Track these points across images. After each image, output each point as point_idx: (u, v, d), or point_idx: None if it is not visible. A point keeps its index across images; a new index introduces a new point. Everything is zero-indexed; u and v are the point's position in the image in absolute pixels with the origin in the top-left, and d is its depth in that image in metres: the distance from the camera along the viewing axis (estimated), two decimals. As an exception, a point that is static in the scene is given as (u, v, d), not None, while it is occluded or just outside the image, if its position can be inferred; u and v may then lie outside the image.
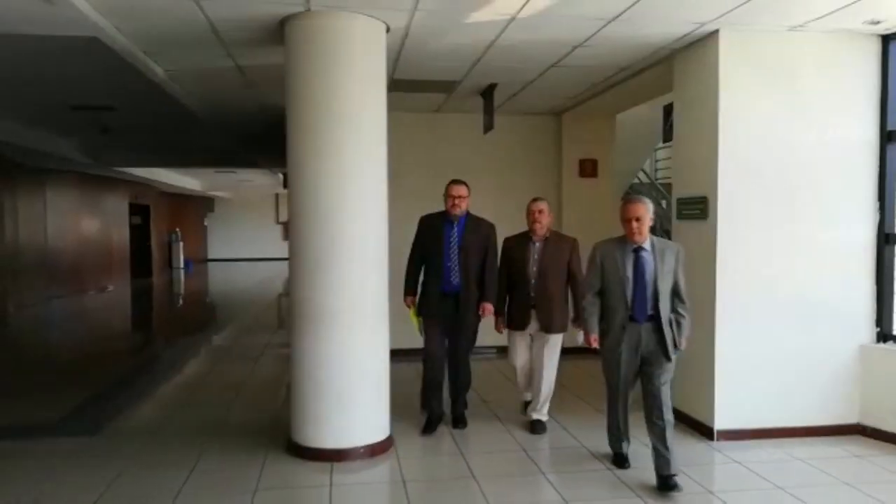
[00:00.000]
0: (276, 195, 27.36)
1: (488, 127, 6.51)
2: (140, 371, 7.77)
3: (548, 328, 4.70)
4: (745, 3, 3.98)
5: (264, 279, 19.97)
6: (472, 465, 4.19)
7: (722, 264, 4.59)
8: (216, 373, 7.41)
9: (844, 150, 4.68)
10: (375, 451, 4.33)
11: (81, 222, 15.17)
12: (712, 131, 4.59)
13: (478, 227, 4.86)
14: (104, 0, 3.86)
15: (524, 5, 3.98)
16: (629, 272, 3.76)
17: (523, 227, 4.91)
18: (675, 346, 3.81)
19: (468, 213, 4.87)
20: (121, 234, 17.64)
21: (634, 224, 3.71)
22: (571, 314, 4.85)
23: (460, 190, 4.80)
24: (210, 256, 27.48)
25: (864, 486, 3.91)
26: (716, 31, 4.49)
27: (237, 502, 3.62)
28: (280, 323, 11.69)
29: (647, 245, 3.77)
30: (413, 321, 4.93)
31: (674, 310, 3.81)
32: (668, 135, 5.70)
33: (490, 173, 7.43)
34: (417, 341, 5.00)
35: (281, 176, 15.98)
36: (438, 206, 4.95)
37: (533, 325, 4.76)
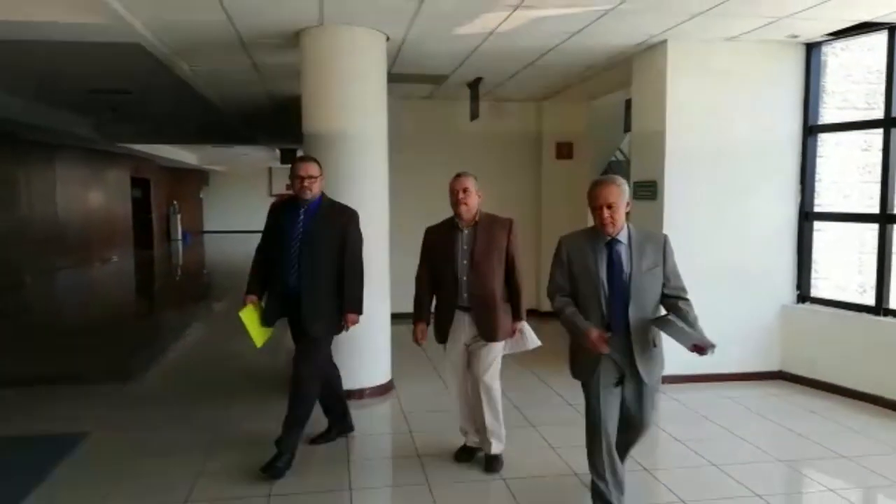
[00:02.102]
0: (270, 169, 27.95)
1: (474, 115, 7.32)
2: (155, 333, 8.66)
3: (491, 336, 3.69)
4: (686, 20, 4.80)
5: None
6: (458, 403, 5.12)
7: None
8: (226, 333, 8.25)
9: (772, 141, 5.55)
10: (380, 391, 5.26)
11: (87, 195, 15.86)
12: (661, 125, 5.44)
13: (330, 215, 3.90)
14: (153, 17, 4.65)
15: (501, 23, 4.80)
16: (602, 271, 2.98)
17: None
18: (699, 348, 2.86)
19: (322, 197, 3.93)
20: (123, 207, 18.33)
21: (605, 212, 2.93)
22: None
23: (309, 168, 3.84)
24: (206, 228, 28.17)
25: (773, 416, 4.89)
26: (664, 41, 5.32)
27: (272, 427, 4.52)
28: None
29: (622, 237, 2.99)
30: (247, 327, 3.88)
31: (675, 308, 3.03)
32: (628, 126, 6.53)
33: (475, 156, 8.23)
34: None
35: (278, 151, 16.71)
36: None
37: (467, 334, 3.74)
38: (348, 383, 5.13)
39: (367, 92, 5.16)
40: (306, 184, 3.81)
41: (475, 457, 3.99)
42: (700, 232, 5.52)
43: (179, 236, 23.69)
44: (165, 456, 4.10)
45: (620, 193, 2.95)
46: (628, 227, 3.03)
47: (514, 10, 4.46)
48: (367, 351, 5.22)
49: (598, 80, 7.07)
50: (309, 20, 4.77)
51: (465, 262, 3.70)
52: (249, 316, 3.89)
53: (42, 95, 9.48)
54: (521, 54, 5.86)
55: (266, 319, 3.95)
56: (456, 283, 3.70)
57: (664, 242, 3.07)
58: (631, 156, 6.19)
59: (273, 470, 3.72)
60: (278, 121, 10.63)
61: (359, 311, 3.97)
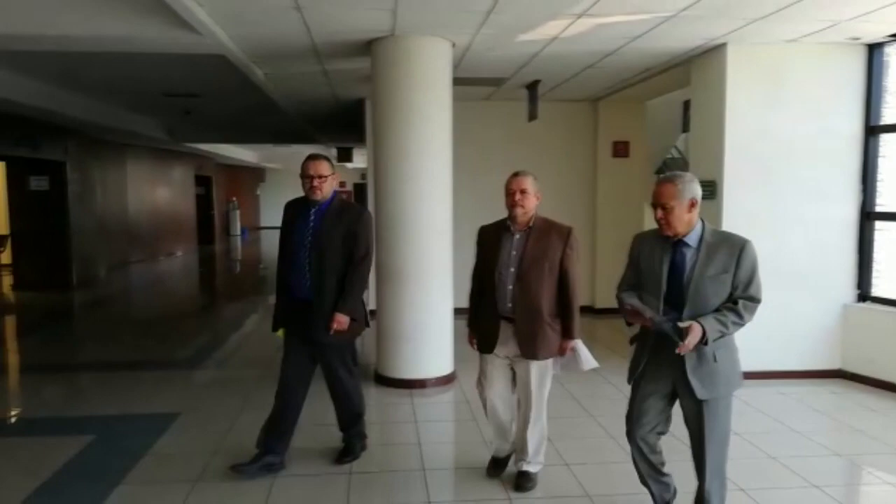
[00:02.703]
0: (323, 166, 28.65)
1: (532, 116, 7.51)
2: (222, 323, 9.15)
3: (531, 353, 3.42)
4: (746, 24, 4.90)
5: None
6: (519, 394, 5.36)
7: (726, 237, 5.57)
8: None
9: (834, 141, 5.59)
10: (443, 381, 5.54)
11: (155, 192, 16.65)
12: (720, 126, 5.55)
13: (340, 216, 3.72)
14: (238, 31, 5.02)
15: (563, 30, 4.99)
16: (664, 272, 2.88)
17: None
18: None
19: (334, 198, 3.77)
20: (188, 204, 19.13)
21: (658, 212, 2.84)
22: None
23: (320, 167, 3.68)
24: (262, 224, 29.02)
25: (832, 412, 4.97)
26: (724, 44, 5.42)
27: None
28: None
29: (690, 239, 2.84)
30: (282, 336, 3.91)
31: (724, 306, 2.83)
32: (686, 126, 6.62)
33: (532, 155, 8.41)
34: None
35: (335, 150, 17.18)
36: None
37: (510, 347, 3.48)
38: (413, 374, 5.44)
39: (434, 97, 5.41)
40: (316, 184, 3.65)
41: (506, 469, 3.80)
42: (760, 231, 5.50)
43: (238, 232, 24.52)
44: (251, 435, 4.44)
45: (676, 193, 2.77)
46: (703, 227, 2.85)
47: (578, 17, 4.66)
48: (431, 343, 5.51)
49: (655, 81, 7.17)
50: (381, 30, 5.06)
51: (512, 269, 3.42)
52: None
53: (118, 99, 10.09)
54: (580, 58, 6.03)
55: (282, 322, 3.84)
56: (501, 290, 3.45)
57: (741, 249, 2.80)
58: (690, 155, 6.29)
59: (347, 457, 3.97)
60: (339, 121, 11.03)
61: (349, 312, 3.71)
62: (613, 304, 3.11)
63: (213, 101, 9.82)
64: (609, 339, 7.17)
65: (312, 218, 3.71)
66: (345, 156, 16.72)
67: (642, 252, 3.01)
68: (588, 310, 8.48)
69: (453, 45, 5.42)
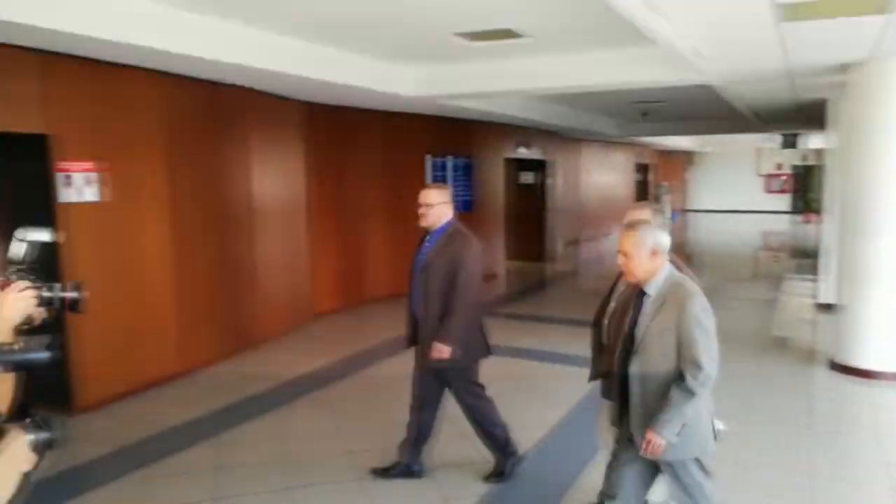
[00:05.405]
0: (757, 149, 27.64)
1: None
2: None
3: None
4: None
5: (743, 232, 21.08)
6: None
7: None
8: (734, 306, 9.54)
9: None
10: None
11: (601, 179, 18.97)
12: None
13: (447, 244, 3.82)
14: (728, 68, 6.22)
15: None
16: (627, 320, 2.73)
17: None
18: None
19: (447, 226, 3.87)
20: (627, 189, 21.18)
21: (620, 258, 2.71)
22: None
23: (424, 196, 3.86)
24: (690, 207, 29.57)
25: None
26: None
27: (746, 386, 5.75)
28: (755, 275, 13.20)
29: (651, 288, 2.66)
30: None
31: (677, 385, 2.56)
32: None
33: None
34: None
35: (780, 137, 17.04)
36: None
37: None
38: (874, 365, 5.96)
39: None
40: (421, 211, 3.86)
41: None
42: None
43: (669, 214, 25.70)
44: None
45: (637, 241, 2.63)
46: (668, 276, 2.67)
47: None
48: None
49: None
50: (856, 59, 5.67)
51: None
52: None
53: (588, 106, 12.28)
54: None
55: (412, 339, 4.01)
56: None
57: (683, 302, 2.56)
58: None
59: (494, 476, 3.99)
60: (790, 114, 11.37)
61: (445, 340, 3.71)
62: None
63: (672, 104, 11.22)
64: None
65: (427, 243, 3.94)
66: (790, 142, 16.54)
67: (617, 288, 3.05)
68: None
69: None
